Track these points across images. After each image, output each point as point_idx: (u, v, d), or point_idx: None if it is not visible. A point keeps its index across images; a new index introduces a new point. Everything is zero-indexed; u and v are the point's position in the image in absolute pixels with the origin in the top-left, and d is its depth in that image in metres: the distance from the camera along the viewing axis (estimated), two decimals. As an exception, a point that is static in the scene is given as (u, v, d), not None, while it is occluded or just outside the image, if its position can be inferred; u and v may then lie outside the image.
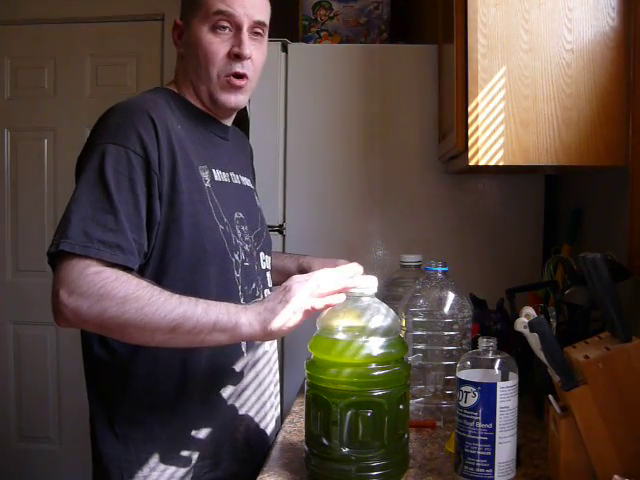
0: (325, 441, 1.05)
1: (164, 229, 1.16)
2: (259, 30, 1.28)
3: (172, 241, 1.17)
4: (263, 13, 1.29)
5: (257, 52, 1.28)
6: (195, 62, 1.27)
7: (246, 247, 1.30)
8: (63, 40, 3.06)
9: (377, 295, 1.12)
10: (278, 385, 1.45)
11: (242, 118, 1.91)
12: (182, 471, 1.21)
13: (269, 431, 1.38)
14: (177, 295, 1.07)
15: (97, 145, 1.14)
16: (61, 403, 3.07)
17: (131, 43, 3.04)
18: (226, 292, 1.21)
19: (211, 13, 1.24)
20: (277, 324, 1.05)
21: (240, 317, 1.06)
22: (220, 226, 1.23)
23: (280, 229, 2.03)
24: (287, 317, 1.05)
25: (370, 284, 1.10)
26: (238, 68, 1.26)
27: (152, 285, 1.08)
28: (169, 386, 1.20)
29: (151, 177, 1.14)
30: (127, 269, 1.10)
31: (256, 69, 1.30)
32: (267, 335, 1.07)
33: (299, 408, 1.45)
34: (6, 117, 3.11)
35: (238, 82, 1.27)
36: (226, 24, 1.24)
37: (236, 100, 1.29)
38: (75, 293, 1.04)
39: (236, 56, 1.25)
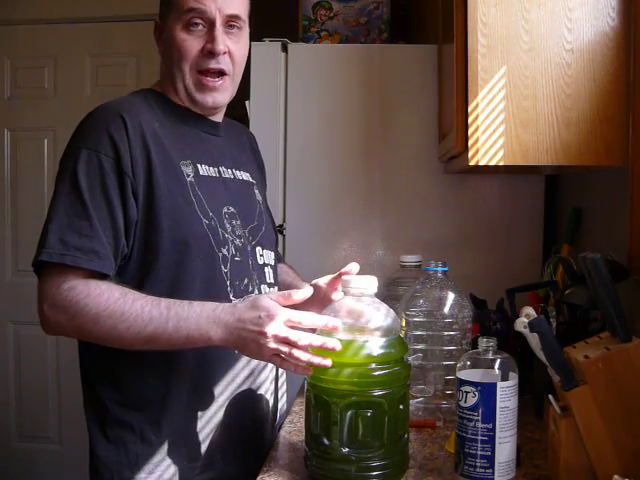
0: (325, 441, 1.05)
1: (143, 227, 1.17)
2: (234, 23, 1.27)
3: (152, 238, 1.17)
4: (237, 6, 1.27)
5: (235, 46, 1.27)
6: (170, 60, 1.27)
7: (237, 242, 1.27)
8: (63, 40, 3.07)
9: (377, 295, 1.12)
10: (277, 381, 1.42)
11: (242, 117, 1.91)
12: (173, 473, 1.20)
13: (268, 429, 1.36)
14: (149, 306, 1.09)
15: (71, 151, 1.18)
16: (61, 403, 3.07)
17: (131, 43, 3.04)
18: (213, 287, 1.21)
19: (183, 11, 1.23)
20: (247, 355, 1.11)
21: (211, 334, 1.07)
22: (204, 220, 1.22)
23: (280, 229, 2.03)
24: (255, 358, 1.11)
25: (370, 284, 1.10)
26: (212, 64, 1.25)
27: (124, 295, 1.10)
28: (157, 387, 1.20)
29: (123, 178, 1.15)
30: (103, 275, 1.13)
31: (236, 63, 1.28)
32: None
33: (299, 408, 1.44)
34: (6, 117, 3.11)
35: (212, 82, 1.26)
36: (199, 21, 1.24)
37: (214, 100, 1.28)
38: (55, 307, 1.10)
39: (209, 52, 1.24)
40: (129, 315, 1.08)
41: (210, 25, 1.24)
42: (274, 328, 1.04)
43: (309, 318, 1.06)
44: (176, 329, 1.07)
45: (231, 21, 1.26)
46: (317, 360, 1.03)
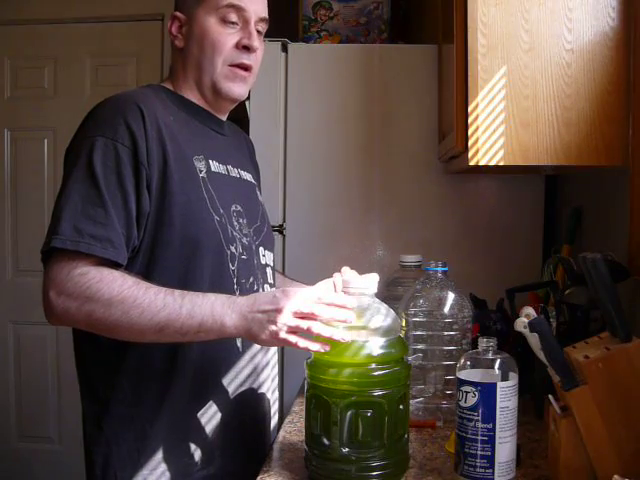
0: (325, 441, 1.05)
1: (154, 220, 1.16)
2: (262, 26, 1.32)
3: (162, 232, 1.16)
4: (266, 11, 1.33)
5: (260, 46, 1.32)
6: (199, 53, 1.28)
7: (244, 240, 1.28)
8: (63, 40, 3.07)
9: (377, 295, 1.12)
10: (277, 380, 1.44)
11: (242, 117, 1.91)
12: (174, 469, 1.20)
13: (268, 427, 1.37)
14: (162, 294, 1.07)
15: (86, 138, 1.15)
16: (61, 403, 3.07)
17: (131, 43, 3.04)
18: (220, 285, 1.20)
19: (222, 5, 1.26)
20: (261, 339, 1.06)
21: (225, 320, 1.05)
22: (215, 217, 1.22)
23: (280, 229, 2.03)
24: (270, 341, 1.05)
25: (370, 284, 1.10)
26: (245, 59, 1.29)
27: (137, 283, 1.08)
28: (158, 383, 1.19)
29: (139, 169, 1.14)
30: (116, 264, 1.11)
31: (258, 62, 1.33)
32: (252, 341, 1.09)
33: (299, 408, 1.45)
34: (6, 117, 3.11)
35: (242, 73, 1.30)
36: (235, 18, 1.27)
37: (239, 91, 1.31)
38: (63, 294, 1.07)
39: (244, 47, 1.28)
40: (142, 301, 1.06)
41: (244, 23, 1.28)
42: (291, 304, 1.03)
43: (322, 310, 1.05)
44: (190, 315, 1.05)
45: (261, 23, 1.31)
46: (338, 335, 1.02)
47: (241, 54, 1.28)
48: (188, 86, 1.31)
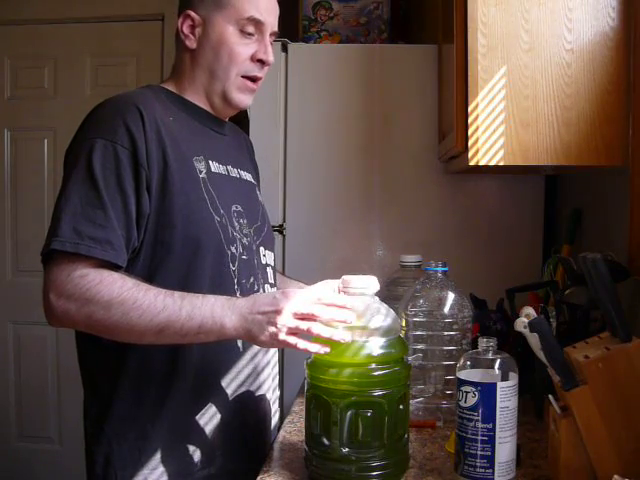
0: (325, 441, 1.05)
1: (154, 221, 1.16)
2: (272, 39, 1.34)
3: (163, 233, 1.17)
4: (277, 24, 1.34)
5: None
6: (214, 59, 1.28)
7: (244, 240, 1.28)
8: (63, 40, 3.06)
9: (377, 295, 1.12)
10: (277, 379, 1.44)
11: (242, 117, 1.91)
12: (175, 468, 1.20)
13: (269, 427, 1.37)
14: (162, 295, 1.07)
15: (85, 140, 1.15)
16: (61, 403, 3.07)
17: (131, 43, 3.04)
18: (221, 285, 1.20)
19: (243, 17, 1.27)
20: (261, 341, 1.05)
21: (225, 322, 1.05)
22: (216, 217, 1.22)
23: (280, 229, 2.03)
24: (270, 342, 1.05)
25: (370, 284, 1.10)
26: (257, 72, 1.31)
27: (136, 285, 1.08)
28: (160, 383, 1.19)
29: (138, 171, 1.14)
30: (116, 266, 1.11)
31: (265, 74, 1.34)
32: (252, 342, 1.09)
33: (299, 408, 1.45)
34: (6, 117, 3.11)
35: (252, 85, 1.32)
36: (252, 30, 1.28)
37: (248, 102, 1.34)
38: (63, 296, 1.07)
39: (260, 61, 1.30)
40: (142, 302, 1.06)
41: (260, 35, 1.30)
42: (291, 305, 1.03)
43: (321, 310, 1.05)
44: (190, 316, 1.05)
45: (272, 36, 1.33)
46: (338, 336, 1.02)
47: (254, 66, 1.30)
48: (194, 88, 1.31)
